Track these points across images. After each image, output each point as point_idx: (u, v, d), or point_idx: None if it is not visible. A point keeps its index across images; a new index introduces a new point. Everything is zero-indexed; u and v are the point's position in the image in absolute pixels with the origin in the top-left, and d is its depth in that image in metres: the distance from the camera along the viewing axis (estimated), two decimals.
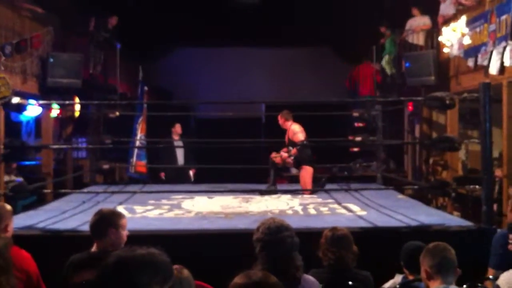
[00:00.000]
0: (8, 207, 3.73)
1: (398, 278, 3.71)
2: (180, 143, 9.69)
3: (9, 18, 9.14)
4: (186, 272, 2.93)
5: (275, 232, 2.97)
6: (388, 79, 11.48)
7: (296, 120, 8.01)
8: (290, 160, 7.83)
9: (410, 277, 3.62)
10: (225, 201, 7.00)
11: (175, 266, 2.93)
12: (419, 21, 10.81)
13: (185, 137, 10.45)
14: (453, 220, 5.70)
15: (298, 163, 7.82)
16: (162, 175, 9.66)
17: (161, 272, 1.89)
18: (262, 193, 7.53)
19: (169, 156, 9.56)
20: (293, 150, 7.67)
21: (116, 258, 1.87)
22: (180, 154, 9.65)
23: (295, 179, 9.33)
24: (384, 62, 11.53)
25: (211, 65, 15.88)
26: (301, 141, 7.64)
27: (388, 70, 11.42)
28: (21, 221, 5.31)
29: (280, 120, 7.98)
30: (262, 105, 14.51)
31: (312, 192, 7.61)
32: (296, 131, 7.74)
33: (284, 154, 7.81)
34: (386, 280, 3.81)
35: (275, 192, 7.62)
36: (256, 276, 2.04)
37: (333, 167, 10.95)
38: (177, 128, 9.66)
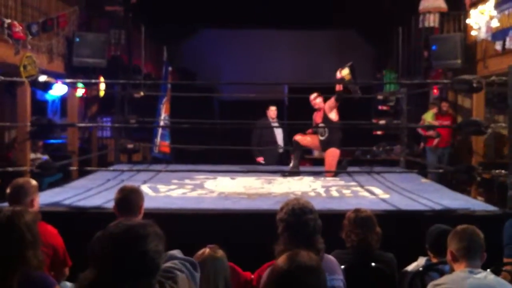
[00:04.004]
0: (33, 182, 3.78)
1: (421, 260, 3.70)
2: (276, 125, 9.18)
3: None
4: (220, 252, 2.96)
5: (298, 214, 2.97)
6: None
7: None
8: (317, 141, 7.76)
9: (434, 260, 3.61)
10: (248, 182, 7.02)
11: (210, 246, 2.97)
12: (433, 3, 10.67)
13: (208, 118, 10.38)
14: (478, 204, 5.65)
15: (327, 145, 7.71)
16: (261, 159, 8.96)
17: (162, 240, 1.93)
18: (285, 174, 7.52)
19: (269, 139, 9.02)
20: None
21: (126, 227, 1.90)
22: (279, 138, 9.11)
23: (318, 162, 9.30)
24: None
25: (235, 47, 15.88)
26: (336, 122, 7.57)
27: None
28: (47, 197, 5.40)
29: (319, 99, 7.69)
30: (285, 87, 14.46)
31: (335, 174, 7.56)
32: (333, 110, 7.56)
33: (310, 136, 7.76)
34: (409, 263, 3.81)
35: (297, 173, 7.60)
36: (303, 258, 1.93)
37: (356, 150, 10.90)
38: (271, 111, 9.01)
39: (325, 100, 7.67)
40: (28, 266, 2.72)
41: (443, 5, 10.60)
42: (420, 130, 10.61)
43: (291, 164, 7.88)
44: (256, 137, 9.06)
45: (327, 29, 15.56)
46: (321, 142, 7.72)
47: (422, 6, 10.84)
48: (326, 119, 7.53)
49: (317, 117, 7.70)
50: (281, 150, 9.08)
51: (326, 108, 7.54)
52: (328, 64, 15.51)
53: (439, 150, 10.47)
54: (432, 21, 10.68)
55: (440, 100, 10.98)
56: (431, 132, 10.51)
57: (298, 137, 7.83)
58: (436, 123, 10.42)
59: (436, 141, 10.46)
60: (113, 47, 11.24)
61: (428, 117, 10.61)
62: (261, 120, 9.08)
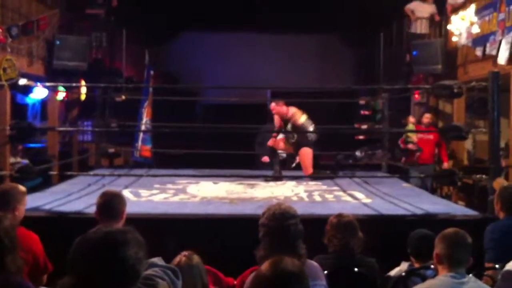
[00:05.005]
0: (21, 188, 3.74)
1: (404, 265, 3.71)
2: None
3: (15, 0, 9.12)
4: (196, 258, 2.93)
5: (279, 219, 2.96)
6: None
7: (302, 107, 7.94)
8: (288, 146, 7.77)
9: (416, 265, 3.62)
10: (230, 186, 7.00)
11: (184, 253, 2.94)
12: (427, 9, 10.74)
13: (190, 122, 10.32)
14: (459, 209, 5.70)
15: (298, 146, 7.64)
16: (266, 159, 8.54)
17: (142, 247, 1.90)
18: (267, 179, 7.51)
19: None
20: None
21: (105, 234, 1.87)
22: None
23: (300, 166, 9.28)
24: None
25: (217, 51, 15.83)
26: (302, 124, 7.55)
27: None
28: (27, 202, 5.31)
29: (281, 108, 7.64)
30: (268, 91, 14.47)
31: (316, 177, 7.55)
32: (298, 115, 7.59)
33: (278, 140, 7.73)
34: (392, 268, 3.81)
35: (280, 178, 7.59)
36: (286, 264, 1.89)
37: (338, 154, 10.92)
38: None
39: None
40: (6, 271, 2.68)
41: (435, 11, 10.66)
42: (400, 143, 9.60)
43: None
44: (260, 139, 8.98)
45: (309, 33, 15.60)
46: (293, 145, 7.74)
47: (416, 11, 10.81)
48: (295, 127, 7.55)
49: (277, 121, 7.76)
50: (284, 155, 8.92)
51: (293, 119, 7.57)
52: (311, 68, 15.60)
53: (421, 168, 9.07)
54: (423, 28, 10.73)
55: (422, 111, 10.29)
56: (411, 145, 9.45)
57: (271, 143, 7.84)
58: (415, 138, 9.41)
59: (417, 155, 9.38)
60: (95, 50, 11.17)
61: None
62: (267, 125, 9.00)
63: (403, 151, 9.62)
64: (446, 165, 9.25)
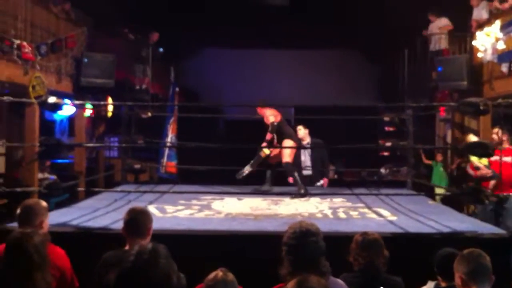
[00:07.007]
0: (44, 203, 3.79)
1: (430, 285, 3.68)
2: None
3: (44, 18, 9.32)
4: (231, 276, 2.96)
5: (299, 237, 2.96)
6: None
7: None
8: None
9: (443, 284, 3.58)
10: (255, 202, 7.02)
11: (221, 269, 2.97)
12: (438, 23, 10.82)
13: (214, 138, 10.40)
14: (486, 227, 5.62)
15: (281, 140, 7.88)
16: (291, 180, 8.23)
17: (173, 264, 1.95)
18: (293, 196, 7.49)
19: (295, 160, 8.37)
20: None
21: (152, 248, 1.91)
22: (306, 159, 8.75)
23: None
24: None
25: (238, 67, 15.94)
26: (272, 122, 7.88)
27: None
28: (54, 218, 5.39)
29: (260, 110, 8.08)
30: (292, 108, 14.48)
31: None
32: (268, 114, 7.97)
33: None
34: (418, 287, 3.78)
35: (305, 195, 7.55)
36: (312, 283, 1.97)
37: (363, 171, 10.87)
38: (298, 131, 8.60)
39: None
40: None
41: (448, 23, 10.70)
42: (470, 170, 7.82)
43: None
44: None
45: (331, 49, 15.64)
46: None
47: (430, 30, 10.97)
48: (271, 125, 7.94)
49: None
50: (305, 172, 8.81)
51: (266, 119, 7.99)
52: (333, 84, 15.60)
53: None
54: (442, 43, 10.75)
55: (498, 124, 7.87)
56: (484, 171, 7.46)
57: (286, 159, 7.86)
58: (483, 165, 7.49)
59: (492, 183, 7.43)
60: (121, 68, 11.34)
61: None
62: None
63: (476, 179, 7.69)
64: None
